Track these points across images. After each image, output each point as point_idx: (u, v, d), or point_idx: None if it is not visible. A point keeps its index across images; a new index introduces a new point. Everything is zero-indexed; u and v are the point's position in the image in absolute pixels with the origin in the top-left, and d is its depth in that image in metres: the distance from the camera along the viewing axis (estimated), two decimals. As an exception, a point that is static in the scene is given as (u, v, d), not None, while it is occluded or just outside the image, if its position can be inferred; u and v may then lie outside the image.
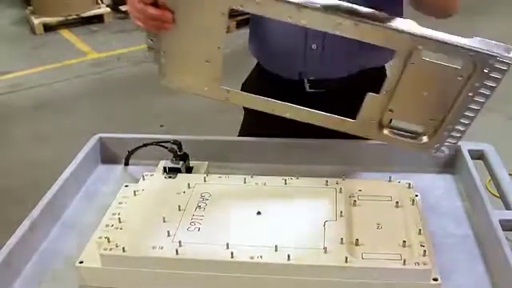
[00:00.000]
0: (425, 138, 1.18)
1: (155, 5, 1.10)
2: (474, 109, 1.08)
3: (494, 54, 0.99)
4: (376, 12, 1.02)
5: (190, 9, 1.11)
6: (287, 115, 1.23)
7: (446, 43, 1.00)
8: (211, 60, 1.17)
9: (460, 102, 1.08)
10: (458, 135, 1.15)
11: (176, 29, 1.13)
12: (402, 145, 1.21)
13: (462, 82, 1.04)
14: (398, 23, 1.01)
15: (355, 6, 1.02)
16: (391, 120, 1.18)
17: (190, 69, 1.21)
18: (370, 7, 1.03)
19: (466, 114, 1.09)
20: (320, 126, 1.23)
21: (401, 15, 1.24)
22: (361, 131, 1.21)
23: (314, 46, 1.37)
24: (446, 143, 1.17)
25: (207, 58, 1.17)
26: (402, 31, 1.01)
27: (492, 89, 1.03)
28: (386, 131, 1.20)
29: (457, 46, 0.99)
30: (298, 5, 1.02)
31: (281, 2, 1.02)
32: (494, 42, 1.00)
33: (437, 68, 1.04)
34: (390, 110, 1.14)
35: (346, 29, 1.03)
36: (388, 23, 1.01)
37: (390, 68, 1.08)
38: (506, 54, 0.99)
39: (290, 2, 1.02)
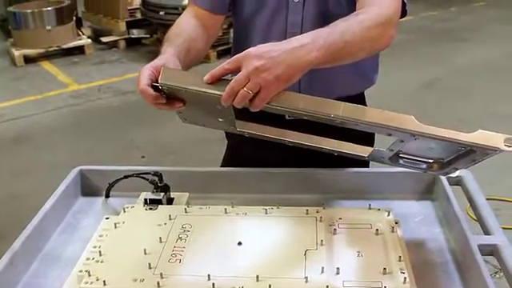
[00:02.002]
0: (433, 167, 1.22)
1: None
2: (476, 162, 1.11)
3: (494, 149, 1.00)
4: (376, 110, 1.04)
5: (198, 102, 1.13)
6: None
7: (447, 140, 1.01)
8: (224, 119, 1.22)
9: (462, 159, 1.11)
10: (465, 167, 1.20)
11: (188, 104, 1.15)
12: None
13: (463, 151, 1.07)
14: (398, 122, 1.02)
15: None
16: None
17: (205, 121, 1.30)
18: None
19: (470, 164, 1.13)
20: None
21: None
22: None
23: None
24: (454, 170, 1.22)
25: (220, 118, 1.22)
26: (404, 130, 1.02)
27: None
28: (399, 160, 1.23)
29: (458, 142, 1.01)
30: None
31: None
32: (498, 134, 1.00)
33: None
34: (401, 150, 1.17)
35: (348, 124, 1.06)
36: (388, 123, 1.02)
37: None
38: (506, 148, 0.99)
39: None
